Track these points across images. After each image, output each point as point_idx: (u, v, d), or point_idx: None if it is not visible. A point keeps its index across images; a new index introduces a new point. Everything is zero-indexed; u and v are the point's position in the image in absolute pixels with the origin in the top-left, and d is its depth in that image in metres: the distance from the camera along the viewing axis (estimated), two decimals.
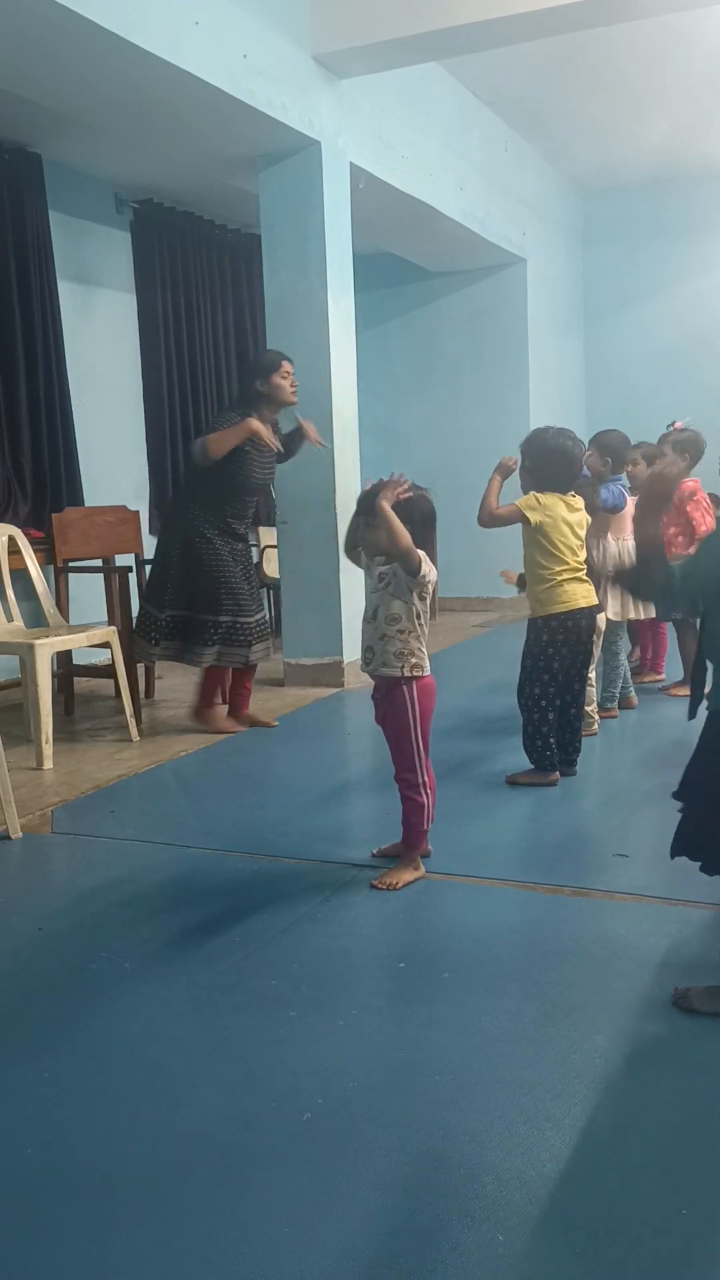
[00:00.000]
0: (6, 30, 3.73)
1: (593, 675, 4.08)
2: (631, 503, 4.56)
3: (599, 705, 4.41)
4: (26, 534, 4.65)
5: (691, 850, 2.18)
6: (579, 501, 3.69)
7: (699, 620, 2.21)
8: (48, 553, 5.04)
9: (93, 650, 4.86)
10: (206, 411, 6.84)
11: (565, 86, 6.62)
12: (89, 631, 4.39)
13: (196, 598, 4.43)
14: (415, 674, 2.80)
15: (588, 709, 4.09)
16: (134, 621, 4.61)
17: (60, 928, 2.64)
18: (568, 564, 3.59)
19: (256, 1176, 1.64)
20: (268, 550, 6.79)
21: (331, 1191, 1.59)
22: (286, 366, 4.39)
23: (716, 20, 5.58)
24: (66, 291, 5.86)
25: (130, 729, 4.47)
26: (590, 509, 4.11)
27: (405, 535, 2.69)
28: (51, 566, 5.05)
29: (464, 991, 2.21)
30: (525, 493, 3.64)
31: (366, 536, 2.80)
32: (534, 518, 3.56)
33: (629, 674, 4.77)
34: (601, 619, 4.36)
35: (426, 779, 2.84)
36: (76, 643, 4.35)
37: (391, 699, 2.82)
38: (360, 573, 2.97)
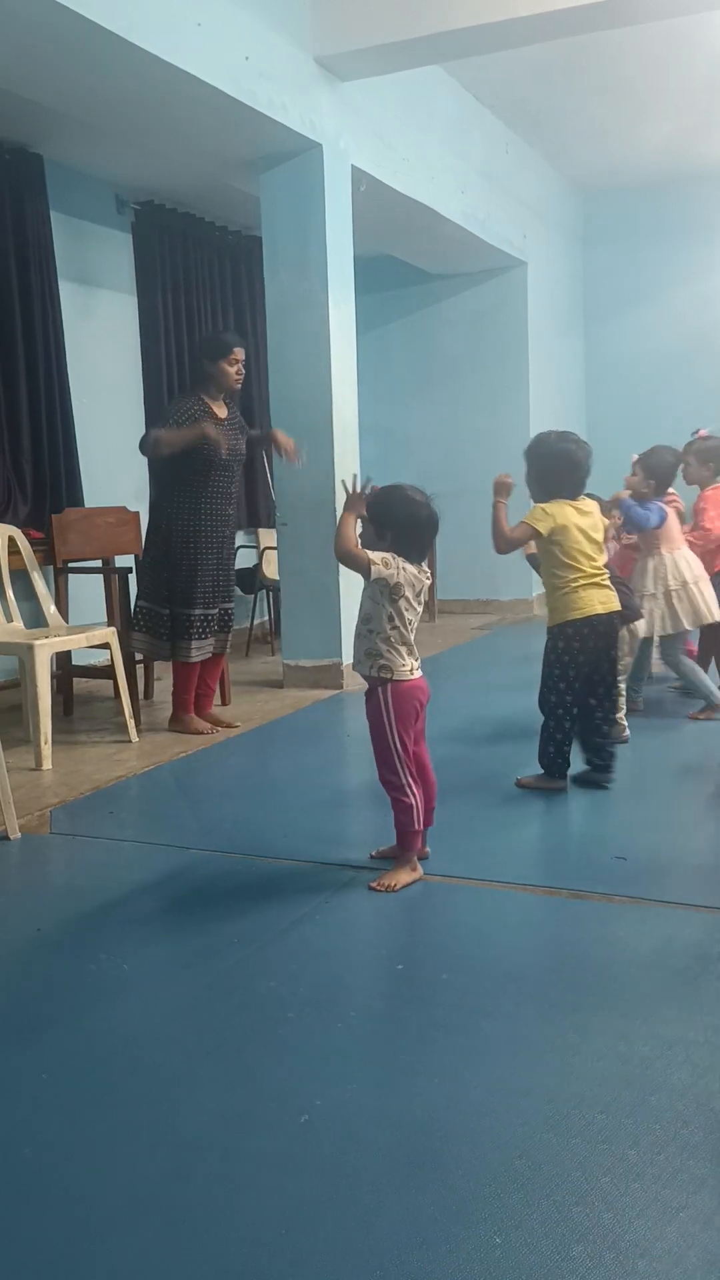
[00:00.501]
0: (8, 31, 3.73)
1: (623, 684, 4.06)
2: (673, 514, 4.56)
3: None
4: (26, 534, 4.65)
5: None
6: (590, 505, 3.61)
7: None
8: (47, 553, 5.04)
9: (92, 651, 4.86)
10: None
11: (566, 89, 6.62)
12: (88, 632, 4.39)
13: (176, 591, 4.47)
14: (383, 675, 2.78)
15: (618, 716, 4.04)
16: (139, 620, 4.59)
17: (58, 928, 2.64)
18: (583, 570, 3.53)
19: (255, 1178, 1.63)
20: (267, 552, 6.79)
21: (329, 1193, 1.59)
22: (237, 354, 4.43)
23: (718, 23, 5.59)
24: (67, 292, 5.86)
25: (129, 730, 4.46)
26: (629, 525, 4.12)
27: (345, 540, 2.70)
28: (51, 567, 5.05)
29: (462, 994, 2.20)
30: (533, 501, 3.59)
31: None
32: (543, 528, 3.50)
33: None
34: (639, 626, 4.35)
35: (412, 780, 2.82)
36: (76, 643, 4.35)
37: (369, 700, 2.83)
38: (359, 575, 2.96)
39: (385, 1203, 1.56)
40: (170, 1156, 1.70)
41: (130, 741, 4.43)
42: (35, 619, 4.76)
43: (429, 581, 2.85)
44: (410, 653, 2.83)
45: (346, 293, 5.45)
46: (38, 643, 4.08)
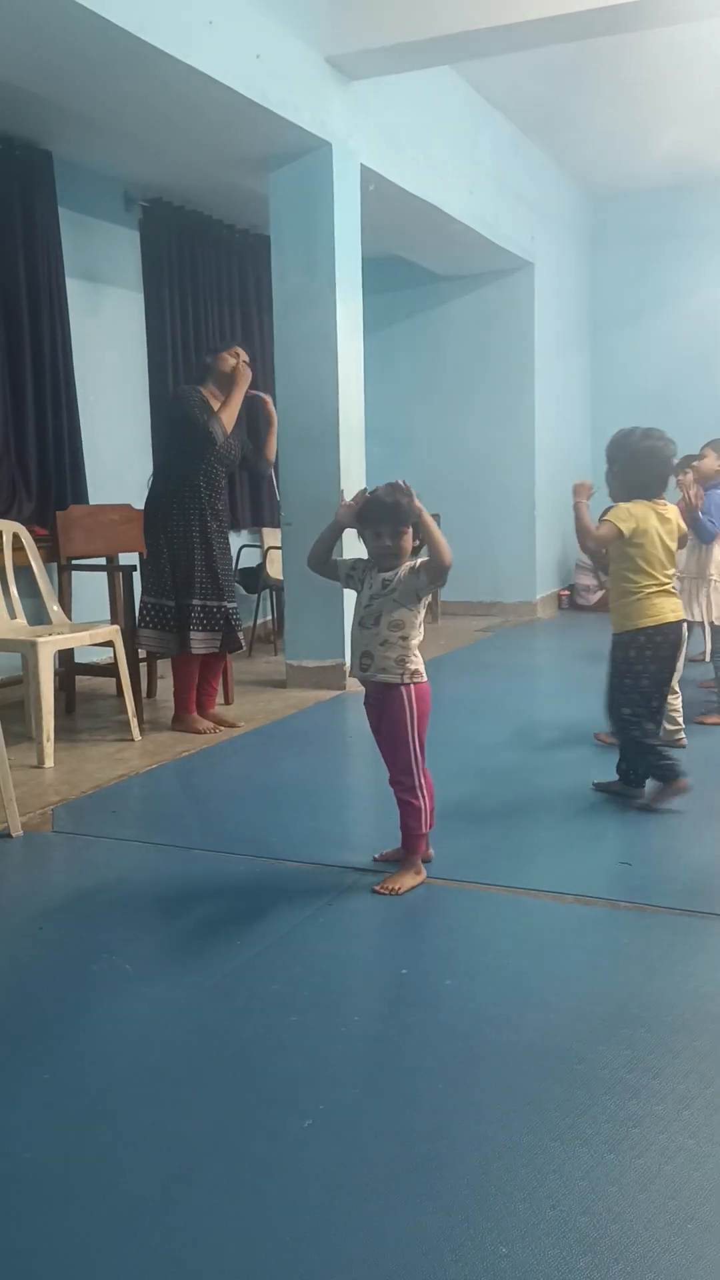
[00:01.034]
0: (19, 27, 3.72)
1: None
2: None
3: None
4: (31, 531, 4.64)
5: None
6: (671, 510, 3.48)
7: None
8: (51, 550, 5.03)
9: (95, 649, 4.85)
10: None
11: (577, 91, 6.61)
12: (92, 630, 4.38)
13: (179, 582, 4.49)
14: (415, 680, 2.81)
15: (669, 725, 3.98)
16: (146, 617, 4.58)
17: (61, 928, 2.63)
18: (656, 578, 3.39)
19: (257, 1183, 1.62)
20: (271, 551, 6.77)
21: (333, 1200, 1.58)
22: (237, 349, 4.53)
23: None
24: (74, 289, 5.84)
25: (132, 728, 4.45)
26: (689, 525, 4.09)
27: (440, 543, 2.71)
28: (55, 564, 5.03)
29: (466, 999, 2.19)
30: (613, 499, 3.48)
31: (383, 546, 2.78)
32: (626, 528, 3.34)
33: None
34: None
35: (423, 782, 2.83)
36: (79, 641, 4.34)
37: (388, 703, 2.82)
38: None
39: (389, 1211, 1.55)
40: (172, 1160, 1.69)
41: (133, 740, 4.42)
42: (38, 616, 4.75)
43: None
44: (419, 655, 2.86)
45: (354, 292, 5.44)
46: (41, 640, 4.07)
